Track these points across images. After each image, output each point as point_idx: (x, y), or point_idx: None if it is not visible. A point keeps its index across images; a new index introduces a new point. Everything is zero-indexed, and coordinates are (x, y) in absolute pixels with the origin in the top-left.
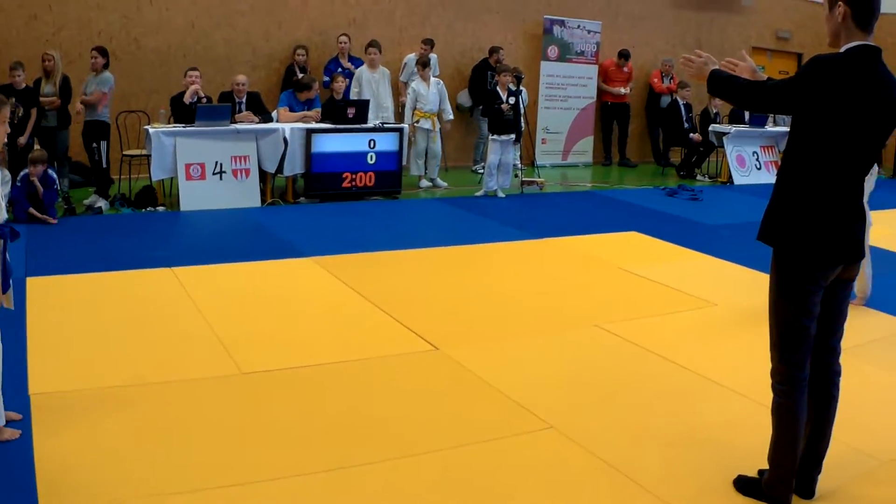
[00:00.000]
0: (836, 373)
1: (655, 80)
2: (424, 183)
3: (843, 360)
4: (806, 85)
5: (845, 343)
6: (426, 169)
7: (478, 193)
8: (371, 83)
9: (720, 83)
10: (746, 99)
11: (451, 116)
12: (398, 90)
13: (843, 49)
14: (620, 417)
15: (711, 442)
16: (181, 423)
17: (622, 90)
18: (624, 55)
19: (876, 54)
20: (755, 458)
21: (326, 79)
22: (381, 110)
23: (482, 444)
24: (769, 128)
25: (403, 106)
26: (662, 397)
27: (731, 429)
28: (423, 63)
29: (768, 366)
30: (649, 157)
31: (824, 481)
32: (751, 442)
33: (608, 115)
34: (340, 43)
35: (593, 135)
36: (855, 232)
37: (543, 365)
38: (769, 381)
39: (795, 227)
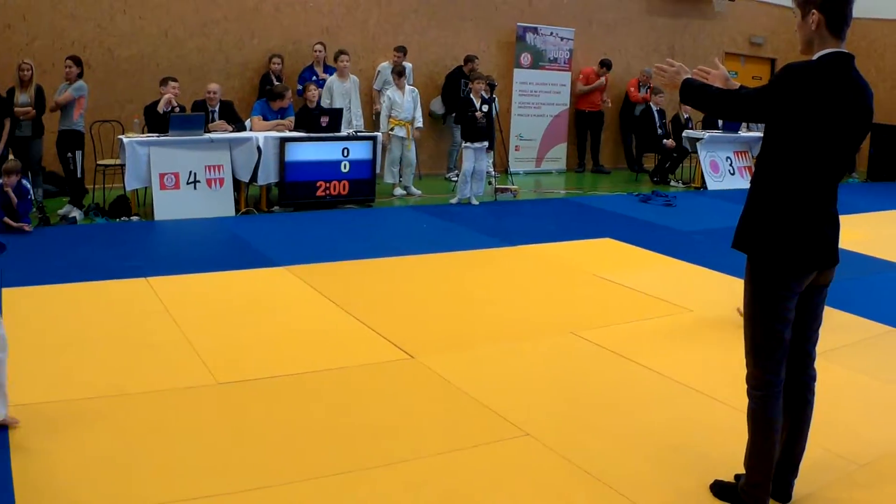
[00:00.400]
0: (811, 377)
1: (632, 88)
2: (399, 191)
3: (818, 364)
4: (779, 92)
5: (821, 347)
6: (400, 177)
7: (452, 201)
8: (342, 93)
9: (693, 92)
10: (719, 107)
11: (421, 124)
12: (371, 98)
13: (816, 56)
14: (596, 424)
15: (688, 447)
16: (160, 433)
17: (607, 103)
18: (606, 65)
19: (849, 61)
20: (732, 463)
21: (301, 87)
22: (353, 119)
23: (460, 452)
24: (742, 133)
25: (377, 114)
26: (638, 403)
27: (708, 434)
28: (399, 72)
29: (744, 371)
30: (623, 163)
31: (801, 485)
32: (727, 447)
33: (583, 122)
34: (316, 51)
35: (567, 141)
36: (828, 237)
37: (519, 372)
38: (745, 386)
39: (769, 234)
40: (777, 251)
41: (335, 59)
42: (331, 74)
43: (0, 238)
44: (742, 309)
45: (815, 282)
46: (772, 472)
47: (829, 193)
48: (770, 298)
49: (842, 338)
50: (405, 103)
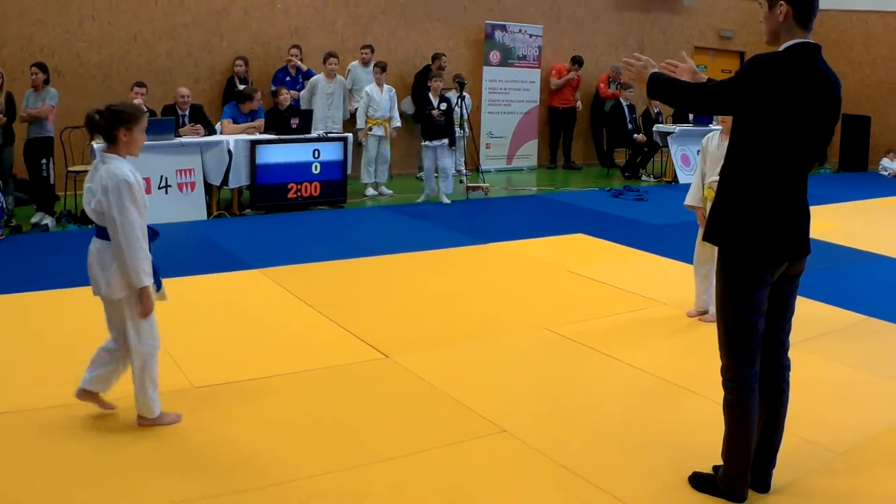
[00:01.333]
0: (785, 367)
1: (602, 84)
2: (370, 191)
3: (793, 353)
4: (748, 85)
5: (795, 337)
6: (376, 175)
7: (419, 200)
8: (326, 92)
9: (660, 86)
10: (687, 101)
11: (399, 123)
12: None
13: (782, 47)
14: (573, 419)
15: (665, 440)
16: (136, 439)
17: (578, 105)
18: (577, 61)
19: (816, 51)
20: (710, 454)
21: (274, 88)
22: (330, 121)
23: (438, 450)
24: (713, 126)
25: (354, 112)
26: (614, 397)
27: (685, 426)
28: (382, 67)
29: (719, 363)
30: (594, 159)
31: (779, 475)
32: (705, 438)
33: (556, 119)
34: (291, 54)
35: (537, 138)
36: (799, 228)
37: (494, 369)
38: (720, 377)
39: (740, 225)
40: (748, 242)
41: (324, 62)
42: (307, 76)
43: None
44: (691, 314)
45: (786, 272)
46: (749, 462)
47: (798, 184)
48: (742, 289)
49: (816, 328)
50: (383, 101)
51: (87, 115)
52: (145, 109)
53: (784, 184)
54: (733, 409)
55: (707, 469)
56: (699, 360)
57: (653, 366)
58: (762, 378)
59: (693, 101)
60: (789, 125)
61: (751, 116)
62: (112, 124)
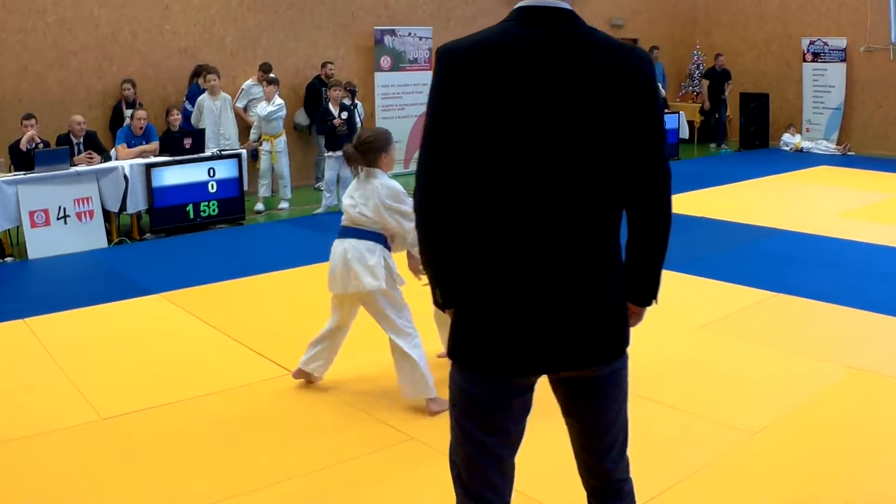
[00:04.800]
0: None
1: None
2: (259, 206)
3: (702, 336)
4: (443, 107)
5: (704, 319)
6: (274, 190)
7: (318, 211)
8: (213, 111)
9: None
10: (420, 219)
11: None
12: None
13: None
14: None
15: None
16: (46, 476)
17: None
18: None
19: (551, 18)
20: (630, 449)
21: (190, 108)
22: (222, 138)
23: (350, 462)
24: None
25: (249, 129)
26: None
27: None
28: (270, 80)
29: (630, 354)
30: None
31: (695, 459)
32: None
33: None
34: (210, 81)
35: None
36: (536, 321)
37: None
38: (632, 368)
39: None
40: (457, 340)
41: (203, 79)
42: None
43: None
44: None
45: (562, 376)
46: None
47: (540, 239)
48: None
49: (723, 308)
50: (270, 117)
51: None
52: (39, 141)
53: (505, 245)
54: None
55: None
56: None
57: None
58: None
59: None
60: (499, 146)
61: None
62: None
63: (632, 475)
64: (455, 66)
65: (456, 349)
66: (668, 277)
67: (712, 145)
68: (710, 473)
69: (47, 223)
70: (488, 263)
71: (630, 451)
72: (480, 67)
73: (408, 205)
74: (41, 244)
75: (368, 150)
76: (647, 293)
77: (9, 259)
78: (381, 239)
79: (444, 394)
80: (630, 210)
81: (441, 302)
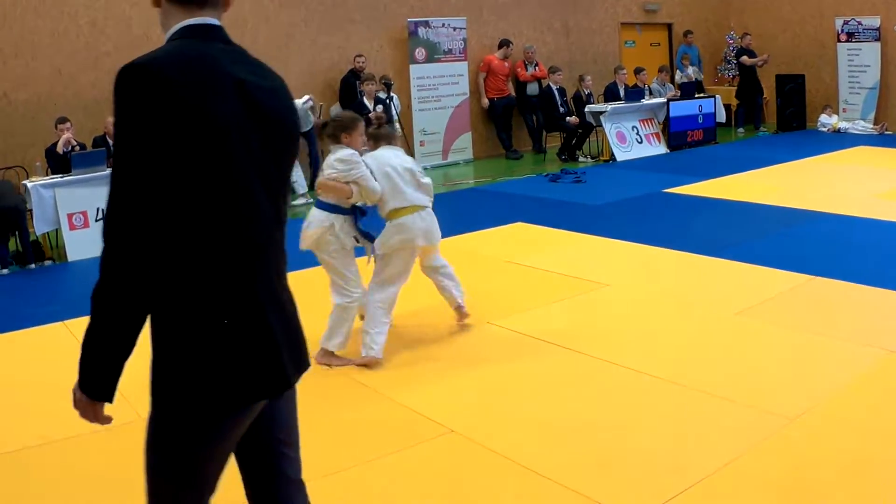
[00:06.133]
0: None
1: (519, 69)
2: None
3: (738, 322)
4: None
5: (741, 305)
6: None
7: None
8: None
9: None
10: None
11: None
12: None
13: (166, 38)
14: (520, 412)
15: (620, 425)
16: (85, 478)
17: (500, 98)
18: (505, 43)
19: (216, 34)
20: (670, 437)
21: None
22: None
23: (387, 458)
24: (645, 101)
25: None
26: (562, 386)
27: (639, 411)
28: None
29: (668, 342)
30: (526, 145)
31: (733, 445)
32: (658, 422)
33: (495, 110)
34: None
35: (471, 131)
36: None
37: (437, 370)
38: (670, 356)
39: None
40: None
41: None
42: None
43: None
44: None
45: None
46: None
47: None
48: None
49: (761, 293)
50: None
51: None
52: (75, 144)
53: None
54: None
55: (663, 451)
56: (647, 339)
57: (599, 349)
58: None
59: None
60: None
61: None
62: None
63: (669, 461)
64: (161, 87)
65: (221, 386)
66: (705, 263)
67: (740, 130)
68: (749, 460)
69: (86, 225)
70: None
71: (667, 439)
72: (194, 88)
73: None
74: (80, 246)
75: (333, 130)
76: None
77: (48, 262)
78: (334, 209)
79: None
80: None
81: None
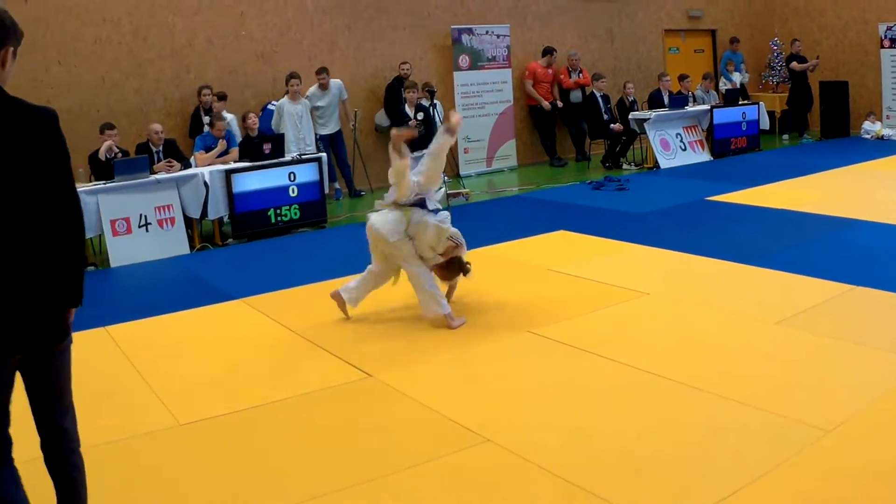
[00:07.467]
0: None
1: (563, 76)
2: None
3: (777, 332)
4: None
5: (779, 314)
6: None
7: None
8: (293, 115)
9: None
10: None
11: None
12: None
13: None
14: (558, 422)
15: (657, 436)
16: (125, 482)
17: (550, 103)
18: (549, 51)
19: None
20: (706, 448)
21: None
22: (303, 143)
23: (424, 466)
24: (689, 108)
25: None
26: (600, 396)
27: (676, 421)
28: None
29: (706, 351)
30: (569, 153)
31: (769, 456)
32: (696, 434)
33: (540, 117)
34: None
35: (515, 138)
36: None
37: (476, 378)
38: (708, 365)
39: None
40: None
41: (286, 83)
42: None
43: None
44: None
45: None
46: None
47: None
48: None
49: (801, 302)
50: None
51: None
52: (117, 150)
53: None
54: None
55: (704, 465)
56: (686, 349)
57: (638, 359)
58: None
59: None
60: None
61: None
62: None
63: (704, 472)
64: None
65: None
66: (746, 272)
67: (785, 137)
68: (784, 471)
69: (129, 231)
70: None
71: (703, 449)
72: None
73: None
74: (123, 252)
75: None
76: None
77: (91, 268)
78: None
79: None
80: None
81: None
